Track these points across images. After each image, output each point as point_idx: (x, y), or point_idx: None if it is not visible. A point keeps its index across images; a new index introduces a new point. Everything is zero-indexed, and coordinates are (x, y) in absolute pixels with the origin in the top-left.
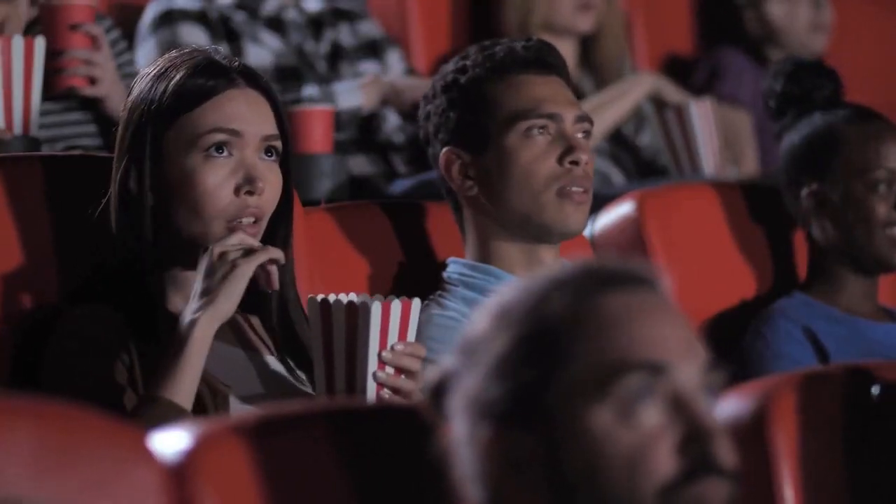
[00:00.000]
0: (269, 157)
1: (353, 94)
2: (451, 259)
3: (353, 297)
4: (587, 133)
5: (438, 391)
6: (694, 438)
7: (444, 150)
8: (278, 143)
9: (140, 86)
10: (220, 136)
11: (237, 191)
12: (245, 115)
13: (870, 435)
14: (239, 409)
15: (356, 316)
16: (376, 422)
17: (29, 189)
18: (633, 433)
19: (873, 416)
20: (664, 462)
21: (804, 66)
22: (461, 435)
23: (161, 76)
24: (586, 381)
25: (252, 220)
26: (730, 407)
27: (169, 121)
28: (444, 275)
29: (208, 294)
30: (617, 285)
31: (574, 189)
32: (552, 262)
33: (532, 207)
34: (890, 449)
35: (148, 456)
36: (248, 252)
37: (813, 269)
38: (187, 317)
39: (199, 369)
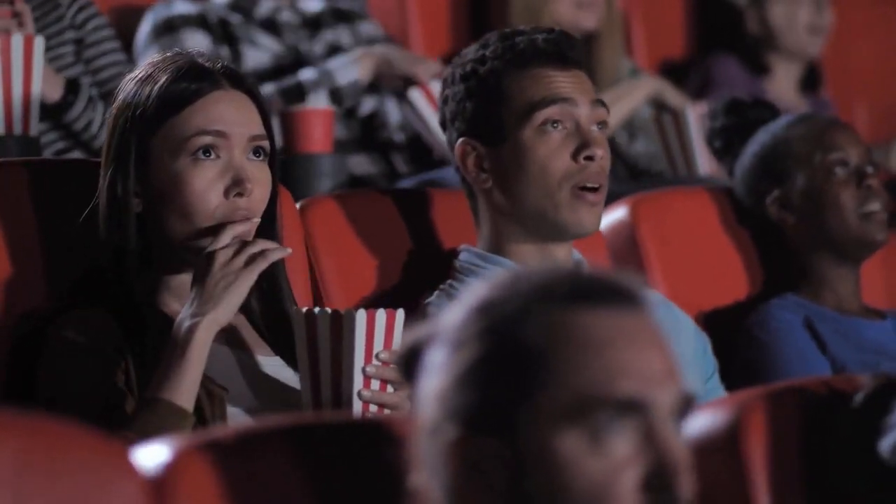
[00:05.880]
0: (258, 157)
1: (349, 68)
2: (463, 247)
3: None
4: (604, 123)
5: (409, 360)
6: (660, 474)
7: (460, 140)
8: (265, 143)
9: (125, 91)
10: (206, 139)
11: (226, 193)
12: (231, 116)
13: (843, 446)
14: (235, 413)
15: (340, 326)
16: (357, 436)
17: (19, 194)
18: (601, 461)
19: (847, 427)
20: (627, 496)
21: (739, 100)
22: (427, 424)
23: (145, 81)
24: (560, 406)
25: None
26: (705, 420)
27: (154, 126)
28: (456, 262)
29: (208, 300)
30: (602, 303)
31: (588, 186)
32: (564, 259)
33: (547, 205)
34: (862, 459)
35: (130, 469)
36: (250, 260)
37: (798, 273)
38: (186, 321)
39: (199, 372)
